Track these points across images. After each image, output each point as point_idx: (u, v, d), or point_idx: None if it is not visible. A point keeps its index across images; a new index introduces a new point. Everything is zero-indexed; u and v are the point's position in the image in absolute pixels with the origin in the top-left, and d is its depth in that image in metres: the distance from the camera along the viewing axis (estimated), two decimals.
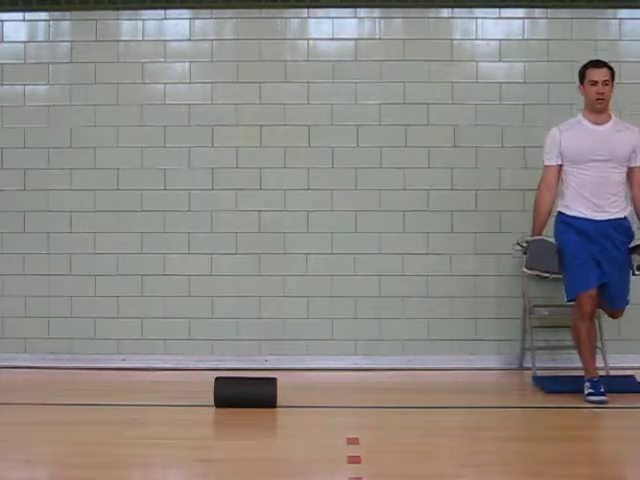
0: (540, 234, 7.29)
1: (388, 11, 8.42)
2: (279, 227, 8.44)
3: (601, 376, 7.28)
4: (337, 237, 8.44)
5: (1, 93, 8.49)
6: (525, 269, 7.37)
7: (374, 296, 8.42)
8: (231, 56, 8.45)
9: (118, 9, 8.41)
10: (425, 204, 8.42)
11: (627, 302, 7.32)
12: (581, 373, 7.26)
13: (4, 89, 8.49)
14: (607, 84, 7.17)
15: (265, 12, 8.42)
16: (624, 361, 8.11)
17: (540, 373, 7.90)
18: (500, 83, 8.41)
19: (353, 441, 6.05)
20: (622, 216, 7.24)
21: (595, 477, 5.51)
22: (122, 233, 8.44)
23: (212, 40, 8.45)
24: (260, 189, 8.44)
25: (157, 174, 8.45)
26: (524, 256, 7.34)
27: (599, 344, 7.70)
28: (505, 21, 8.43)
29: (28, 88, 8.47)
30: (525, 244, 7.34)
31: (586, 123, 7.23)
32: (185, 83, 8.47)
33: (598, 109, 7.19)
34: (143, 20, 8.45)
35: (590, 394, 7.07)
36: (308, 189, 8.44)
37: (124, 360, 8.43)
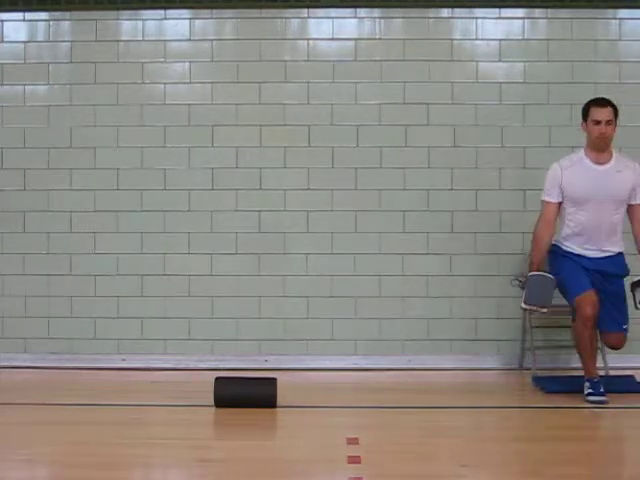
0: (538, 269, 7.21)
1: (388, 11, 8.42)
2: (279, 227, 8.43)
3: (601, 376, 7.28)
4: (337, 237, 8.44)
5: (1, 93, 8.48)
6: (523, 305, 7.23)
7: (374, 296, 8.42)
8: (231, 56, 8.44)
9: (118, 9, 8.41)
10: (425, 204, 8.42)
11: (625, 330, 7.28)
12: (581, 373, 7.26)
13: (4, 89, 8.49)
14: (610, 124, 7.11)
15: (265, 12, 8.42)
16: (624, 361, 8.10)
17: (540, 373, 7.90)
18: (500, 83, 8.41)
19: (353, 441, 6.05)
20: (617, 251, 7.26)
21: (595, 477, 5.52)
22: (122, 233, 8.44)
23: (212, 40, 8.45)
24: (260, 189, 8.44)
25: (157, 174, 8.45)
26: (522, 291, 7.25)
27: (599, 344, 7.69)
28: (505, 21, 8.42)
29: (28, 88, 8.47)
30: (523, 279, 7.31)
31: (587, 162, 7.19)
32: (185, 83, 8.46)
33: (600, 148, 7.16)
34: (143, 20, 8.45)
35: (590, 394, 7.08)
36: (308, 189, 8.43)
37: (124, 360, 8.43)
